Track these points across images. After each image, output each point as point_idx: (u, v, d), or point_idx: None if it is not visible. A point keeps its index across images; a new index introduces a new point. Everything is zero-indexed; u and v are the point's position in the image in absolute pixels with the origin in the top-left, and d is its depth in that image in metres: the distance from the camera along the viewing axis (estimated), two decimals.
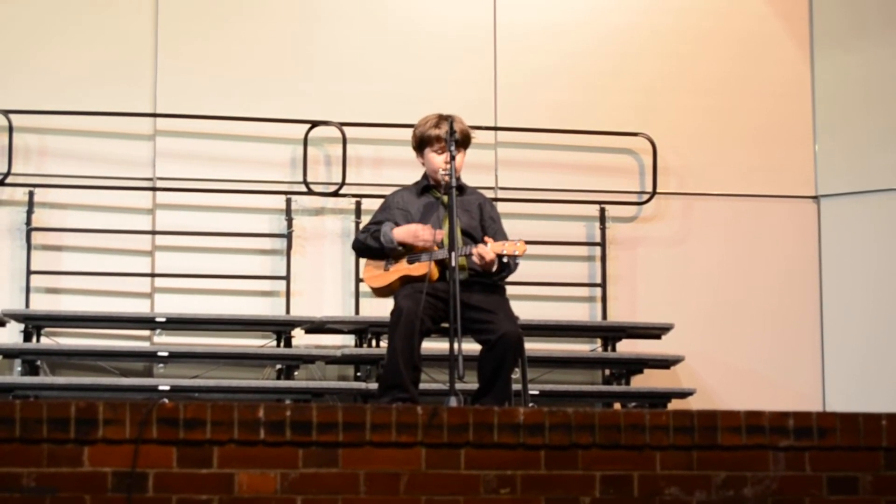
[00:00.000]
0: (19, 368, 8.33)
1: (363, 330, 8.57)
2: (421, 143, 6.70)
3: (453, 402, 5.83)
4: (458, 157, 6.50)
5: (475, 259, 6.36)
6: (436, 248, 6.47)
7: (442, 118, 6.61)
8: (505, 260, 6.42)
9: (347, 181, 9.00)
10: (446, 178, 6.36)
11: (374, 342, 8.51)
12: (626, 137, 9.39)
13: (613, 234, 9.35)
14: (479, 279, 6.49)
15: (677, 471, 4.82)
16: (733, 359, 9.30)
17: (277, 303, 8.95)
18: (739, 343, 9.35)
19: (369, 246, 6.68)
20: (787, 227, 9.55)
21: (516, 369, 6.49)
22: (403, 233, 6.57)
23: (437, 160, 6.59)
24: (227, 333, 8.83)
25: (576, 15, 9.57)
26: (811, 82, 9.71)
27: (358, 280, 8.81)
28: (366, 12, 9.37)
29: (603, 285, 9.23)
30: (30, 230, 8.71)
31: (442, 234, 6.45)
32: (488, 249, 6.34)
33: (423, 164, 6.75)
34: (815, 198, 9.62)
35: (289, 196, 9.00)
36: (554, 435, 4.75)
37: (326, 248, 9.10)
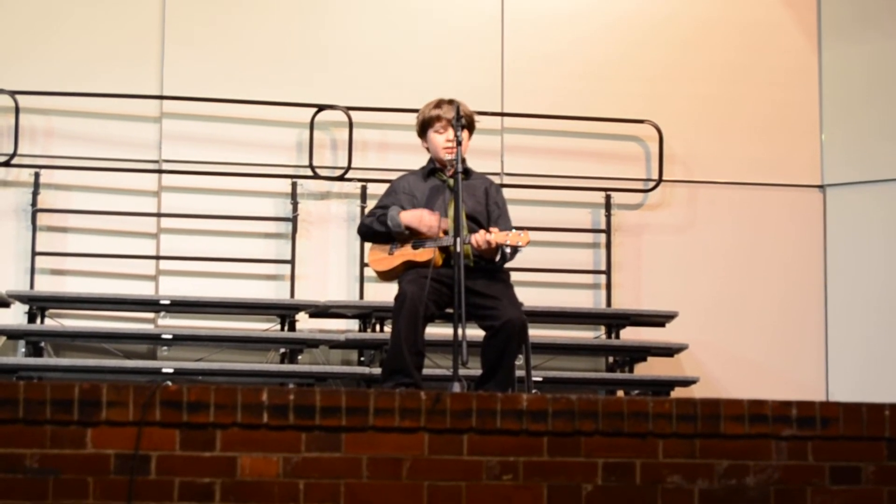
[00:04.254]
0: (23, 349, 8.34)
1: (367, 315, 8.57)
2: (424, 126, 6.75)
3: (457, 387, 5.84)
4: (463, 140, 6.53)
5: (473, 244, 6.37)
6: (441, 234, 6.48)
7: (443, 101, 6.69)
8: (507, 250, 6.41)
9: (353, 165, 9.01)
10: (449, 155, 6.42)
11: (378, 327, 8.52)
12: (632, 125, 9.38)
13: (618, 221, 9.34)
14: (481, 265, 6.49)
15: (680, 459, 4.83)
16: (737, 347, 9.30)
17: (282, 286, 8.95)
18: (743, 332, 9.35)
19: (375, 230, 6.69)
20: (792, 217, 9.54)
21: (520, 356, 6.49)
22: (410, 216, 6.58)
23: (439, 139, 6.65)
24: (232, 317, 8.83)
25: (583, 2, 9.56)
26: (818, 71, 9.69)
27: (363, 265, 8.81)
28: None
29: (607, 272, 9.23)
30: (35, 211, 8.71)
31: (446, 222, 6.45)
32: (491, 238, 6.33)
33: (428, 148, 6.78)
34: (820, 187, 9.61)
35: (294, 180, 9.00)
36: (557, 422, 4.76)
37: (331, 233, 9.10)
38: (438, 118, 6.64)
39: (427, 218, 6.54)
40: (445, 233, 6.48)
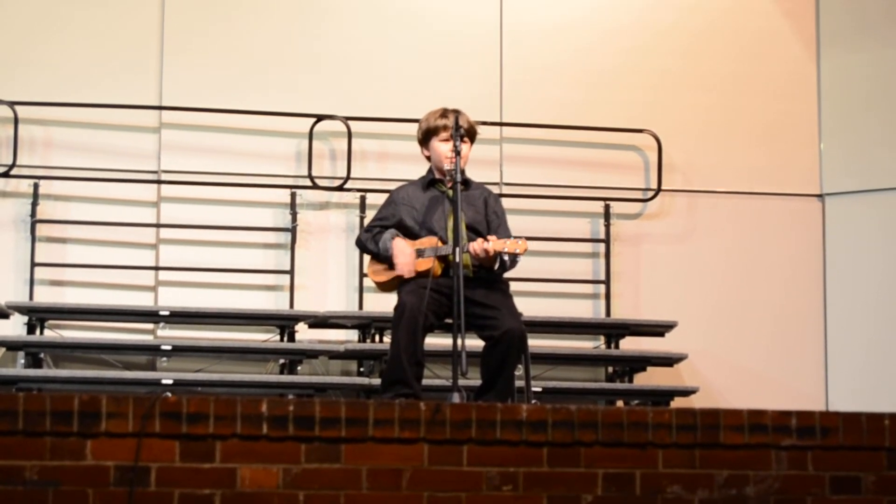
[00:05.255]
0: (23, 361, 8.33)
1: (367, 325, 8.57)
2: (427, 135, 6.73)
3: (456, 398, 5.84)
4: (464, 149, 6.54)
5: (471, 252, 6.37)
6: (418, 268, 6.47)
7: (448, 110, 6.66)
8: (505, 258, 6.41)
9: (352, 175, 9.00)
10: (451, 165, 6.40)
11: (377, 337, 8.51)
12: (631, 134, 9.39)
13: (617, 230, 9.34)
14: (481, 274, 6.49)
15: (680, 469, 4.82)
16: (736, 357, 9.29)
17: (281, 297, 8.95)
18: (743, 341, 9.34)
19: (369, 249, 6.72)
20: (791, 226, 9.54)
21: (519, 366, 6.49)
22: (398, 250, 6.55)
23: (443, 149, 6.63)
24: (231, 328, 8.83)
25: (581, 11, 9.57)
26: (817, 80, 9.70)
27: (362, 275, 8.80)
28: (372, 7, 9.37)
29: (607, 282, 9.23)
30: (34, 222, 8.71)
31: (412, 273, 6.44)
32: (489, 246, 6.33)
33: (429, 156, 6.77)
34: (819, 196, 9.61)
35: (293, 190, 9.00)
36: (556, 432, 4.75)
37: (331, 243, 9.10)
38: (445, 127, 6.62)
39: (401, 259, 6.51)
40: (444, 242, 6.49)
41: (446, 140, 6.62)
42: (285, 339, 8.61)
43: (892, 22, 9.58)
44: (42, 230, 8.77)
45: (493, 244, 6.35)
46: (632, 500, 4.78)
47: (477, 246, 6.36)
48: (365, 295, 8.87)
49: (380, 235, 6.65)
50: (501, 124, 9.28)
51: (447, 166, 6.58)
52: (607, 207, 9.30)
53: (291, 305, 8.86)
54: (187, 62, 9.09)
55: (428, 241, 6.56)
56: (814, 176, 9.61)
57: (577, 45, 9.51)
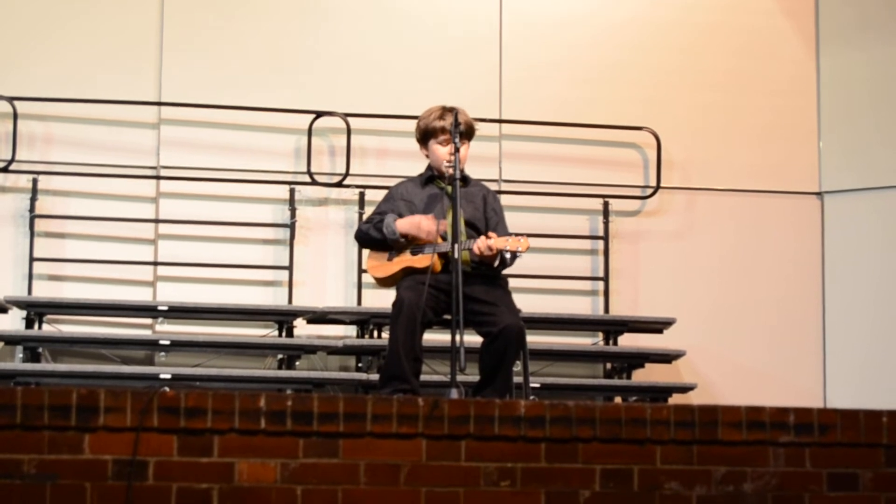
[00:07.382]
0: (21, 355, 8.34)
1: (365, 321, 8.57)
2: (425, 135, 6.71)
3: (454, 393, 5.83)
4: (463, 149, 6.51)
5: (475, 251, 6.36)
6: (440, 240, 6.47)
7: (446, 110, 6.64)
8: (506, 255, 6.40)
9: (351, 172, 9.00)
10: (450, 169, 6.37)
11: (375, 333, 8.52)
12: (630, 131, 9.39)
13: (616, 227, 9.34)
14: (480, 271, 6.49)
15: (677, 465, 4.83)
16: (735, 354, 9.30)
17: (280, 293, 8.95)
18: (741, 338, 9.35)
19: (372, 237, 6.68)
20: (790, 223, 9.55)
21: (518, 362, 6.49)
22: (407, 224, 6.57)
23: (442, 151, 6.61)
24: (229, 323, 8.83)
25: (581, 8, 9.57)
26: (816, 78, 9.70)
27: (360, 271, 8.81)
28: (372, 3, 9.37)
29: (605, 279, 9.23)
30: (33, 217, 8.71)
31: (445, 224, 6.45)
32: (492, 243, 6.32)
33: (427, 156, 6.76)
34: (818, 194, 9.61)
35: (292, 186, 9.00)
36: (554, 428, 4.75)
37: (329, 239, 9.10)
38: (443, 130, 6.59)
39: (425, 224, 6.52)
40: (444, 237, 6.48)
41: (444, 143, 6.60)
42: (284, 334, 8.61)
43: (892, 20, 9.58)
44: (41, 225, 8.77)
45: (494, 241, 6.34)
46: (630, 497, 4.78)
47: (481, 243, 6.34)
48: (363, 290, 8.88)
49: (381, 223, 6.63)
50: (501, 121, 9.28)
51: (446, 170, 6.52)
52: (606, 205, 9.30)
53: (290, 301, 8.86)
54: (187, 58, 9.09)
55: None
56: (813, 174, 9.62)
57: (577, 42, 9.51)
